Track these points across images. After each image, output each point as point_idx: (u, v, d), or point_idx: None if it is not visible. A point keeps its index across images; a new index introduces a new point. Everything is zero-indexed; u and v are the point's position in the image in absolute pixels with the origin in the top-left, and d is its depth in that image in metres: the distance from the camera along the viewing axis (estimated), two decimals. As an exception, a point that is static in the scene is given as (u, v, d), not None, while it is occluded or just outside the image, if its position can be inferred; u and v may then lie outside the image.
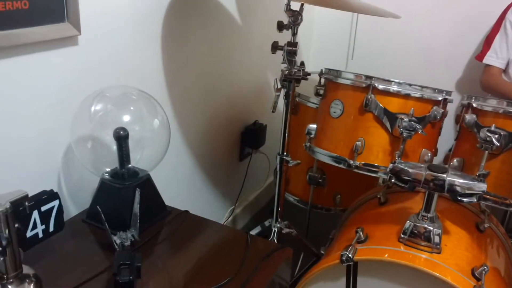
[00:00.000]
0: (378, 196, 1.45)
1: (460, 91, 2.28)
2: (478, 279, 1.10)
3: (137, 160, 1.10)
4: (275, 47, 1.38)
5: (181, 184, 1.67)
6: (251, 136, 2.00)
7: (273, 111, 1.42)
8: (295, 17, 1.34)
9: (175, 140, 1.56)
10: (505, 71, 1.93)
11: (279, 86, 1.40)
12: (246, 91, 1.95)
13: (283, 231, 1.54)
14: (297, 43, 1.36)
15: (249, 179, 2.10)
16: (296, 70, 1.38)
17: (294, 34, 1.37)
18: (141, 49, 1.32)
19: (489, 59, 1.94)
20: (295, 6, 1.35)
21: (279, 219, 1.55)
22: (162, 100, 1.43)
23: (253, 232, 1.60)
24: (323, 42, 2.51)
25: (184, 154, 1.64)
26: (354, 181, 1.72)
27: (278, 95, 1.42)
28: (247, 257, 1.04)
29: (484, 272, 1.11)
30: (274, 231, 1.53)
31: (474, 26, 2.11)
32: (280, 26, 1.36)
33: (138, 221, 1.00)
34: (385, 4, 1.47)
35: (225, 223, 1.97)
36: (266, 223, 1.64)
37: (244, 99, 1.96)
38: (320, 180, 1.75)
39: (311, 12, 2.43)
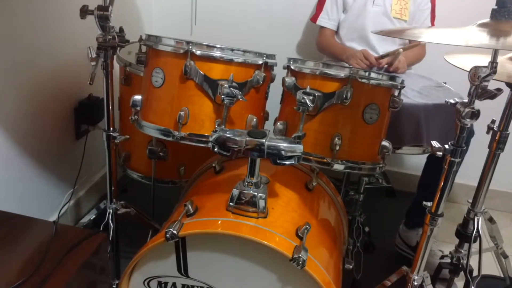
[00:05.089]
0: (214, 165, 1.43)
1: (301, 54, 2.34)
2: (301, 238, 1.13)
3: None
4: (84, 11, 1.23)
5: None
6: (86, 111, 1.83)
7: (90, 83, 1.28)
8: (103, -22, 1.20)
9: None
10: (336, 32, 2.01)
11: (93, 55, 1.26)
12: (74, 62, 1.76)
13: (119, 212, 1.44)
14: (108, 6, 1.22)
15: (92, 158, 1.94)
16: (111, 37, 1.25)
17: (105, -3, 1.23)
18: None
19: (321, 20, 2.01)
20: (103, -36, 1.21)
21: (114, 200, 1.44)
22: None
23: (88, 217, 1.48)
24: (166, 8, 2.38)
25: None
26: (197, 150, 1.65)
27: (95, 65, 1.28)
28: (52, 249, 0.93)
29: (306, 231, 1.14)
30: (109, 212, 1.42)
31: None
32: (87, -12, 1.21)
33: None
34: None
35: (66, 209, 1.80)
36: (102, 205, 1.52)
37: (73, 71, 1.77)
38: (161, 153, 1.68)
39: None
